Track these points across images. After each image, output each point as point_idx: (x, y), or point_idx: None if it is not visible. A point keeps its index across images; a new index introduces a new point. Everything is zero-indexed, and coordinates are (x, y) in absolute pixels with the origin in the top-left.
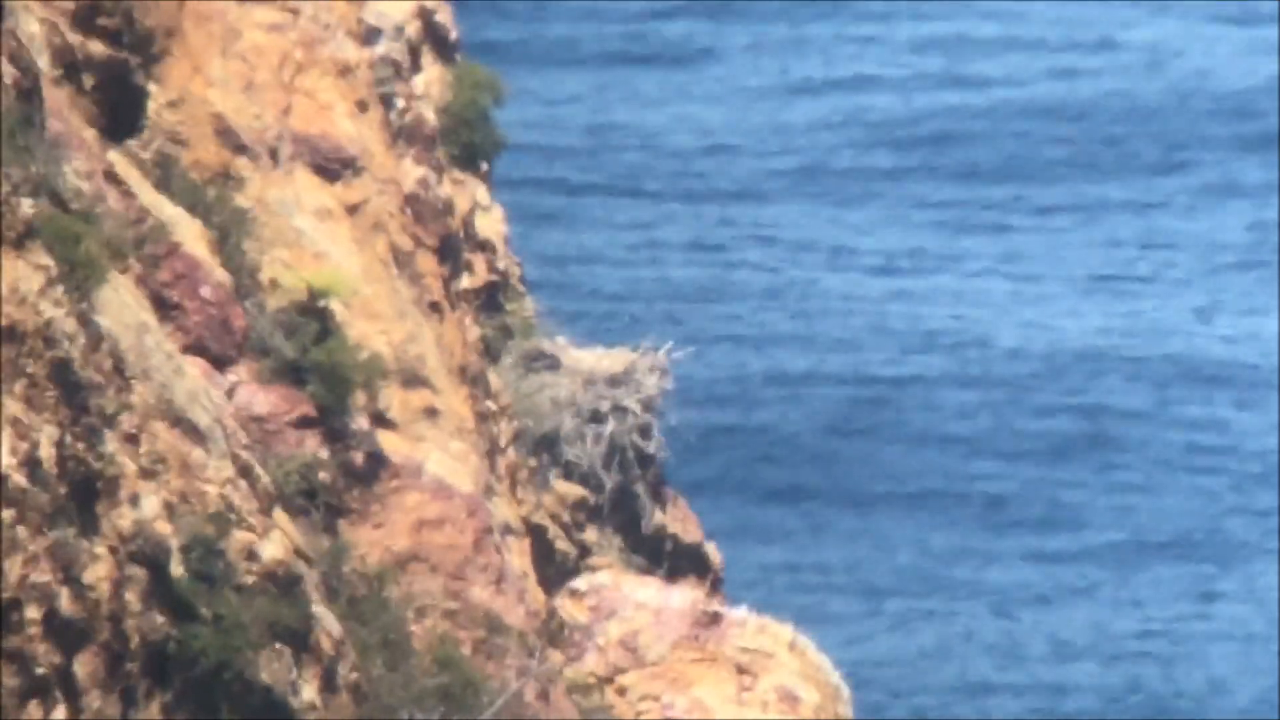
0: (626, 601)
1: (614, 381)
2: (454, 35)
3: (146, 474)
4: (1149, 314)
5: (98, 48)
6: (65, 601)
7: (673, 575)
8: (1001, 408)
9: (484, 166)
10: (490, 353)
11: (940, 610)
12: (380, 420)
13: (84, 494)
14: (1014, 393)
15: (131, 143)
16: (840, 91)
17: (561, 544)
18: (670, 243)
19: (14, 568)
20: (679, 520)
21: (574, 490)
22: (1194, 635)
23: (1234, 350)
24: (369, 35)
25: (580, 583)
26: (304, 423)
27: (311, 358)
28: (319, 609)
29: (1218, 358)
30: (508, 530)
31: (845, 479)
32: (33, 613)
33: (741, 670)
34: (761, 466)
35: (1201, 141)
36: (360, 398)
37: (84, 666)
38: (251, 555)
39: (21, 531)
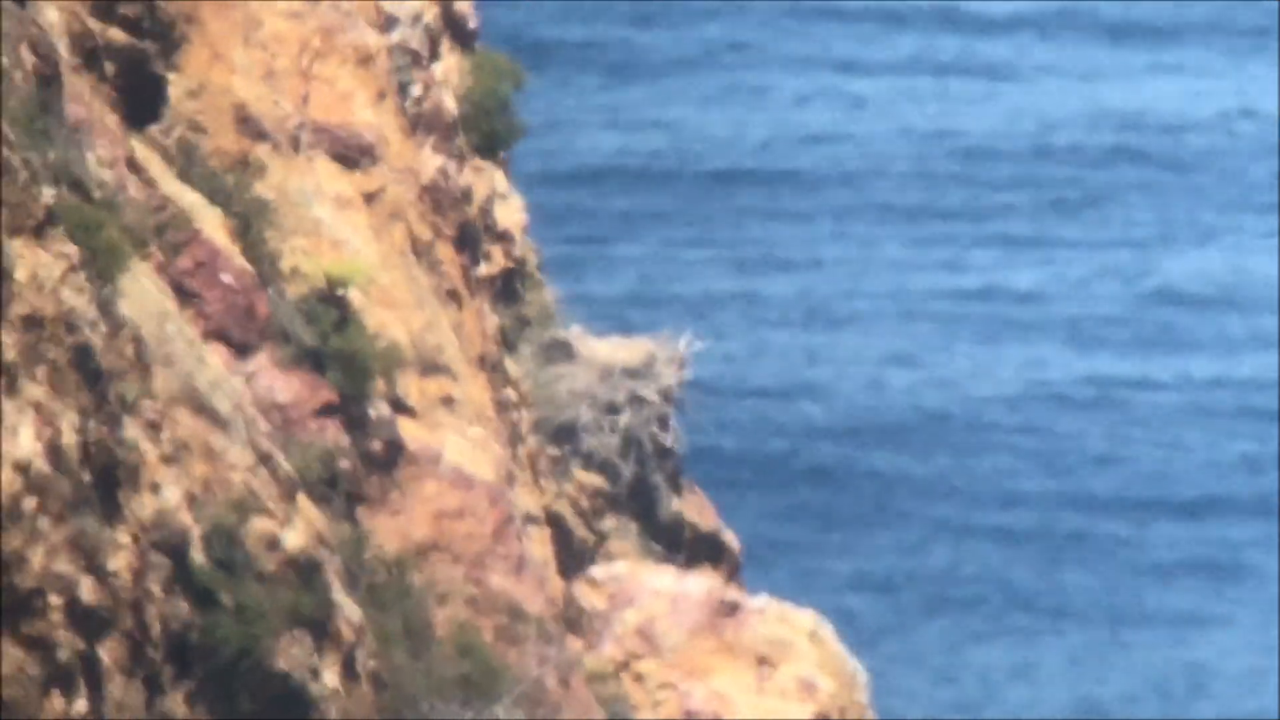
0: (644, 589)
1: (632, 372)
2: (473, 23)
3: (168, 461)
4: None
5: (118, 35)
6: (87, 590)
7: (690, 563)
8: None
9: (503, 155)
10: (508, 342)
11: (960, 615)
12: (399, 408)
13: (106, 481)
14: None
15: (153, 130)
16: (877, 91)
17: (580, 532)
18: (695, 235)
19: (36, 556)
20: (696, 509)
21: (593, 479)
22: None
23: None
24: (387, 23)
25: (598, 571)
26: (325, 410)
27: (332, 346)
28: (339, 597)
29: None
30: (529, 519)
31: (865, 482)
32: (55, 601)
33: (761, 660)
34: (780, 464)
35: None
36: (380, 386)
37: (106, 654)
38: (273, 543)
39: (44, 520)
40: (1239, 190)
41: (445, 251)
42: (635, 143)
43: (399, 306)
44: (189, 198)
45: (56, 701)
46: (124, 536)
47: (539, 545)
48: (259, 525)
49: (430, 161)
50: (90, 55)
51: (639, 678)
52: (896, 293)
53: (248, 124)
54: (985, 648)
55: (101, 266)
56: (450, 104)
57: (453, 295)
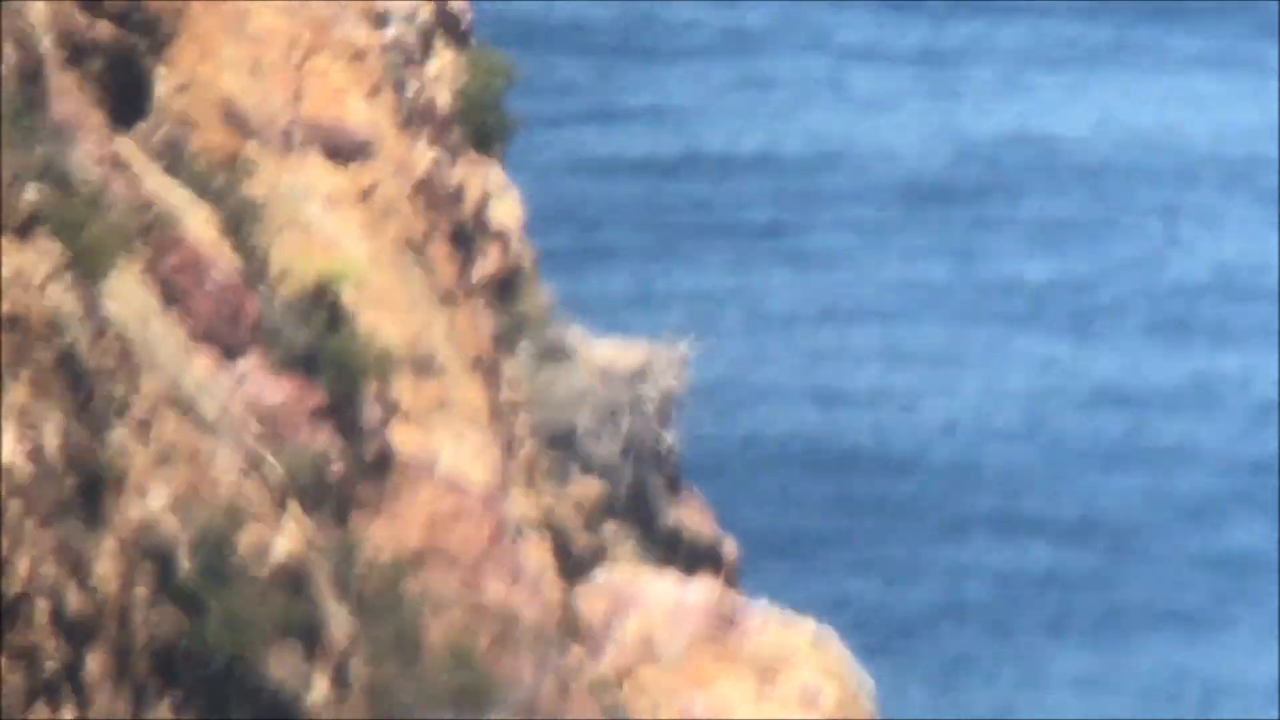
0: (644, 597)
1: (632, 376)
2: (468, 19)
3: (155, 466)
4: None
5: (105, 30)
6: (73, 597)
7: (689, 570)
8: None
9: (499, 151)
10: (505, 344)
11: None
12: (392, 412)
13: (91, 486)
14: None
15: (139, 127)
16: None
17: (579, 539)
18: (697, 230)
19: (21, 563)
20: (695, 516)
21: (592, 485)
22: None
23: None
24: (380, 19)
25: (598, 578)
26: (316, 414)
27: (324, 348)
28: (330, 605)
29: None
30: (525, 525)
31: (874, 485)
32: (40, 609)
33: (762, 668)
34: (784, 466)
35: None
36: (372, 389)
37: (92, 663)
38: (263, 550)
39: (29, 526)
40: (1250, 186)
41: (439, 251)
42: (637, 134)
43: (392, 307)
44: (176, 196)
45: (42, 712)
46: (110, 542)
47: (536, 552)
48: (248, 532)
49: (424, 159)
50: (76, 50)
51: (640, 686)
52: (904, 289)
53: (236, 120)
54: (993, 653)
55: (87, 266)
56: (444, 101)
57: (447, 296)
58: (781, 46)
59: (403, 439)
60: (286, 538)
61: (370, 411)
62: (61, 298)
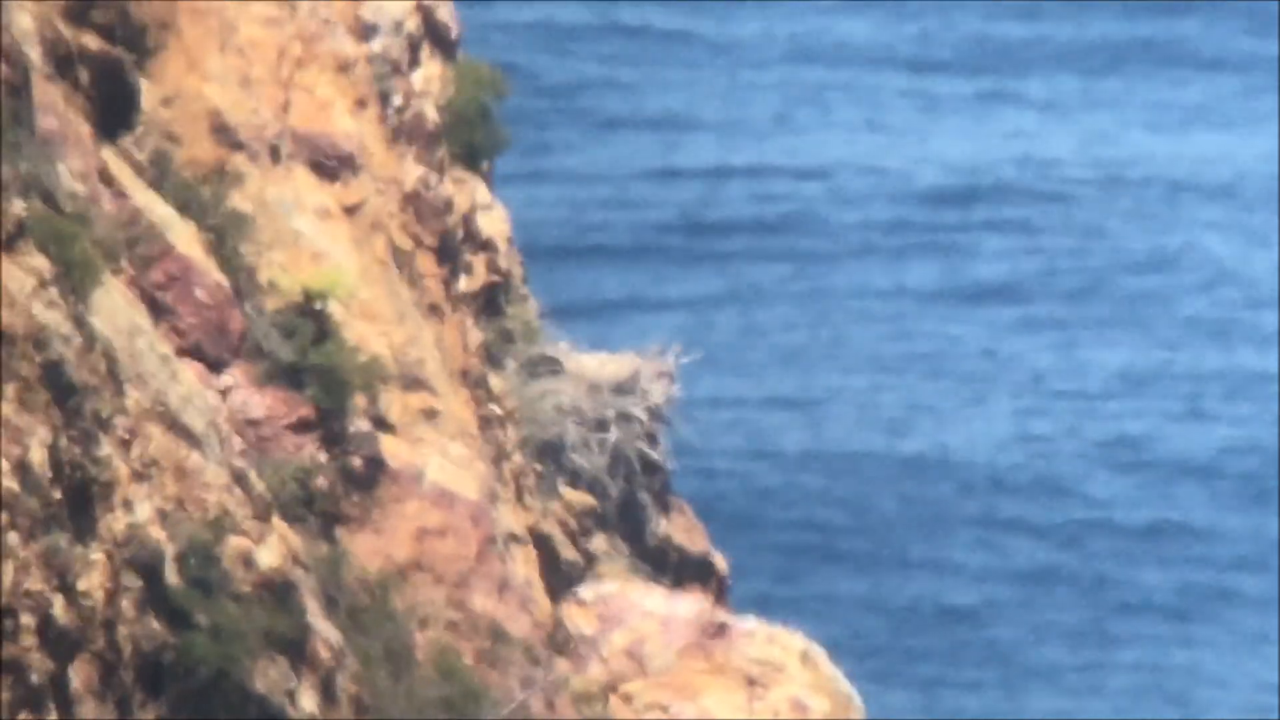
0: (633, 610)
1: (619, 388)
2: (455, 31)
3: (141, 478)
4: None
5: (91, 42)
6: (59, 609)
7: (678, 584)
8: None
9: (487, 165)
10: (492, 357)
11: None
12: (380, 425)
13: (77, 499)
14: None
15: (125, 141)
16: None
17: (568, 552)
18: (685, 241)
19: (7, 575)
20: (684, 529)
21: (580, 498)
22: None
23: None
24: (367, 31)
25: (587, 591)
26: (301, 426)
27: (310, 360)
28: (316, 618)
29: None
30: (513, 538)
31: (855, 505)
32: (27, 621)
33: (751, 681)
34: (769, 491)
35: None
36: (359, 401)
37: (78, 675)
38: (248, 562)
39: (14, 538)
40: (1248, 195)
41: (426, 264)
42: (627, 144)
43: (380, 320)
44: (162, 211)
45: None
46: (96, 554)
47: (523, 565)
48: (233, 544)
49: (411, 172)
50: (63, 62)
51: (626, 698)
52: (895, 297)
53: (224, 133)
54: (981, 654)
55: (74, 280)
56: (431, 113)
57: (434, 309)
58: (772, 57)
59: (390, 451)
60: (271, 550)
61: (357, 424)
62: (48, 311)
